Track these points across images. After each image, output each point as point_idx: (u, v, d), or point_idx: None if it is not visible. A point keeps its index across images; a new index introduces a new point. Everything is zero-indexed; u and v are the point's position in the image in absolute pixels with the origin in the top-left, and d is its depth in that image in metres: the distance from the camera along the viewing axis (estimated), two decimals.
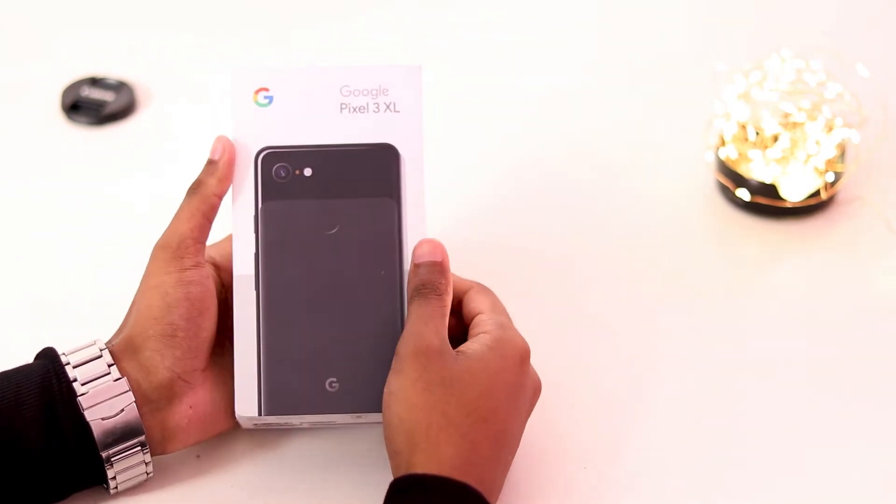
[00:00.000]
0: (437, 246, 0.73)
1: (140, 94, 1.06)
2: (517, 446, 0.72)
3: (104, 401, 0.70)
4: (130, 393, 0.71)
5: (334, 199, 0.74)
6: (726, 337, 0.85)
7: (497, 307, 0.74)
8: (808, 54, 0.95)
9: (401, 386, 0.69)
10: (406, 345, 0.70)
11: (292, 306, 0.73)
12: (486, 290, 0.75)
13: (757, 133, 0.93)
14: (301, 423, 0.74)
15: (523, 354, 0.72)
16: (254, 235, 0.74)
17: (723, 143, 0.95)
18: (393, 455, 0.68)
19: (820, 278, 0.90)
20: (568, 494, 0.74)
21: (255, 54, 1.11)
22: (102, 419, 0.70)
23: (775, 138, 0.93)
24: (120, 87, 1.05)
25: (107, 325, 0.82)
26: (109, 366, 0.71)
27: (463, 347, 0.71)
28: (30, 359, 0.77)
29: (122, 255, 0.91)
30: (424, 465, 0.67)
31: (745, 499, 0.74)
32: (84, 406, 0.70)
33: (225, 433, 0.76)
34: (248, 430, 0.76)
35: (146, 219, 0.94)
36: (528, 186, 0.97)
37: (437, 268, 0.73)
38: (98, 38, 1.14)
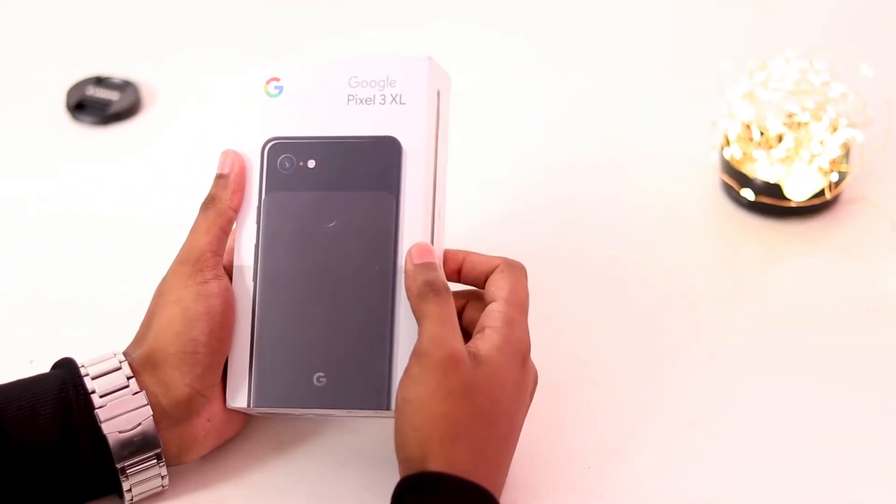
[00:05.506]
0: (425, 248, 0.72)
1: (145, 94, 1.06)
2: (517, 443, 0.72)
3: (122, 414, 0.69)
4: (149, 407, 0.70)
5: (334, 192, 0.73)
6: (730, 336, 0.84)
7: (514, 295, 0.72)
8: (812, 54, 0.95)
9: (418, 395, 0.67)
10: (433, 349, 0.68)
11: (285, 299, 0.73)
12: (512, 269, 0.73)
13: (761, 133, 0.93)
14: (295, 413, 0.74)
15: (525, 352, 0.71)
16: (255, 226, 0.74)
17: (727, 142, 0.95)
18: (403, 461, 0.68)
19: (824, 278, 0.90)
20: (571, 494, 0.74)
21: (260, 55, 1.11)
22: (119, 432, 0.69)
23: (780, 138, 0.93)
24: (125, 86, 1.06)
25: (110, 324, 0.82)
26: (128, 378, 0.70)
27: (475, 348, 0.69)
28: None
29: (126, 255, 0.91)
30: (436, 468, 0.66)
31: (748, 498, 0.74)
32: (101, 419, 0.69)
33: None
34: (252, 429, 0.77)
35: (151, 219, 0.94)
36: (532, 185, 0.97)
37: (435, 266, 0.71)
38: (103, 37, 1.14)
